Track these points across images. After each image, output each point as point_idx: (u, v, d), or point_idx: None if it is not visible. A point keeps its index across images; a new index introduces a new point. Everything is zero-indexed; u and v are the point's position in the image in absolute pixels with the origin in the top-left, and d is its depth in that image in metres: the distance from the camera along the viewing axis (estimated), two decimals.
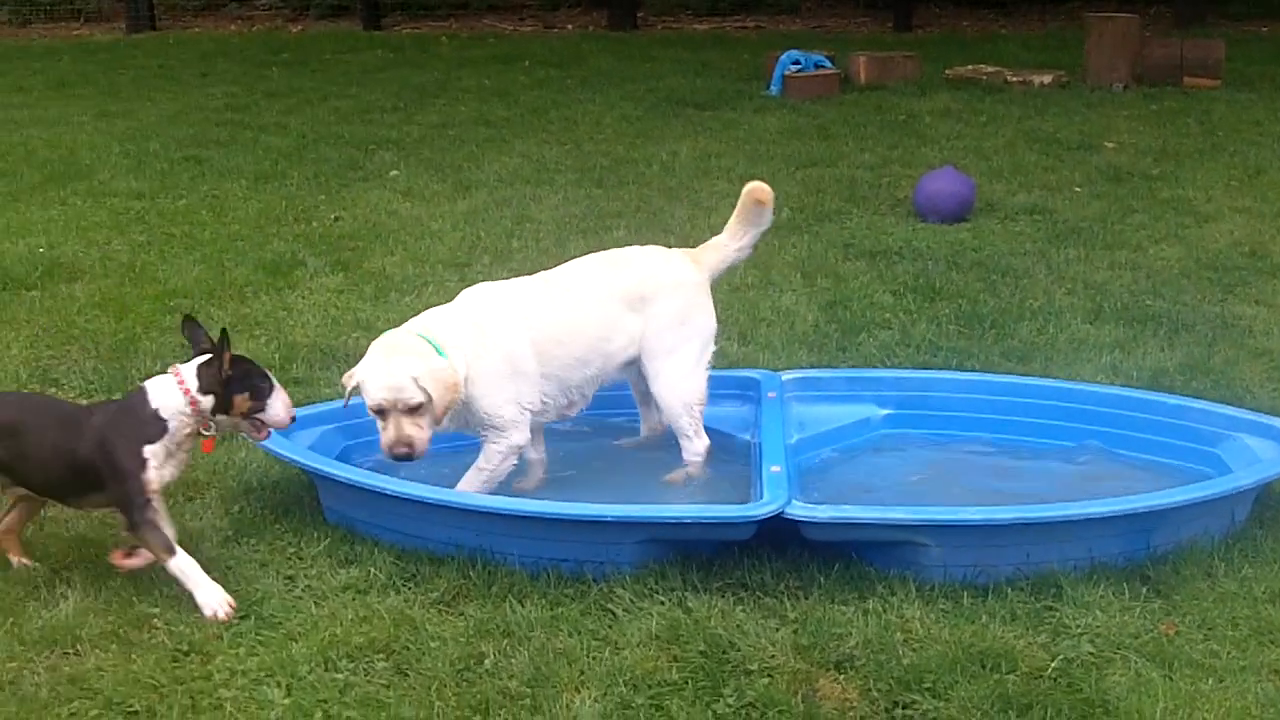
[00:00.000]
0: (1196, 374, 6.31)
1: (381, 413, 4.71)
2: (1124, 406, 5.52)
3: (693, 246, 8.24)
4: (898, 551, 4.56)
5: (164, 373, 4.56)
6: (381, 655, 4.16)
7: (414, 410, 4.68)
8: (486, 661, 4.10)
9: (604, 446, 5.60)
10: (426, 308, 7.12)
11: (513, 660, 4.11)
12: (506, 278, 7.65)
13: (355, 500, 4.83)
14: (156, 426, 4.42)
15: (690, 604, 4.38)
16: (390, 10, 20.25)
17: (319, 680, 4.04)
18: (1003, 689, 3.96)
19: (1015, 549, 4.53)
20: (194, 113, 13.35)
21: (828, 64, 13.72)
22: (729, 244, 5.48)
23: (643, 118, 12.63)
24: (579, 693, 3.95)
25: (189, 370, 4.49)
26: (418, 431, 4.69)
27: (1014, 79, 13.69)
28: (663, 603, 4.38)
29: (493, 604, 4.40)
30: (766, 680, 4.04)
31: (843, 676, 4.08)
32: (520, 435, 5.00)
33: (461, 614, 4.37)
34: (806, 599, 4.44)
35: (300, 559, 4.73)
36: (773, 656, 4.14)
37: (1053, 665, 4.09)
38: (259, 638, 4.25)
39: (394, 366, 4.69)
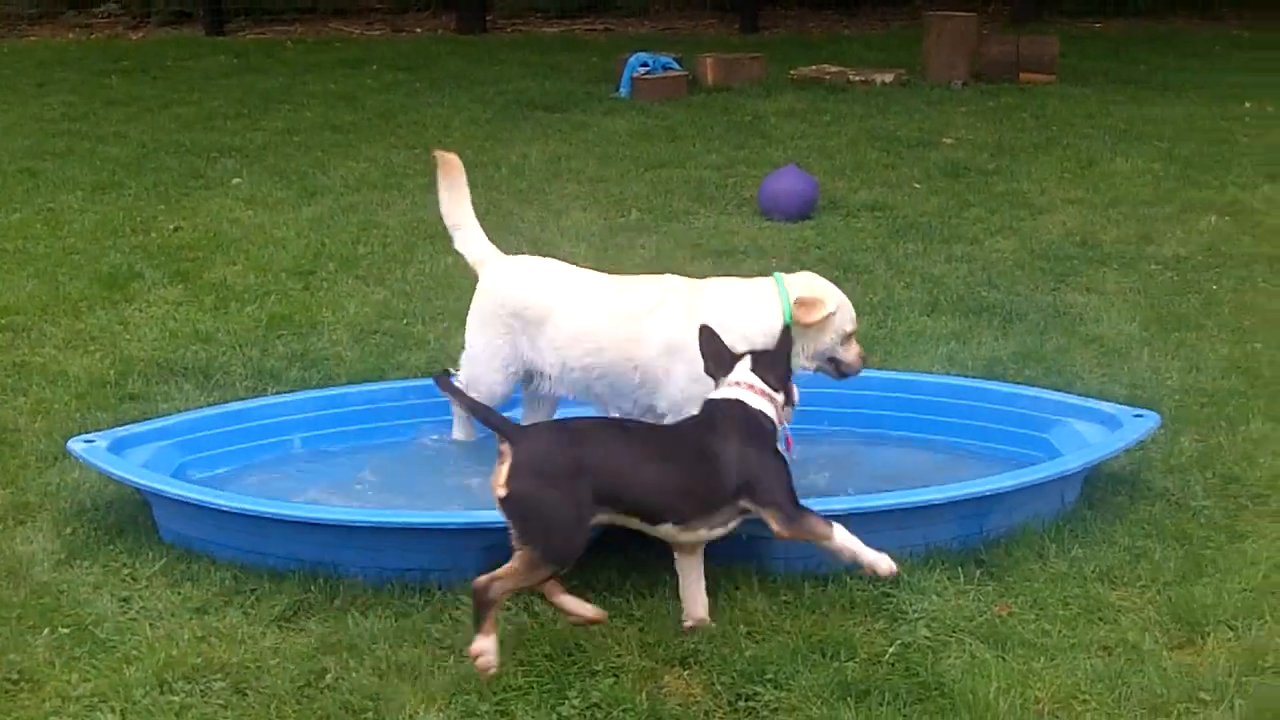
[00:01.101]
0: (1029, 362, 6.49)
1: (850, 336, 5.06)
2: (957, 395, 5.67)
3: (541, 249, 8.35)
4: (740, 544, 4.61)
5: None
6: (219, 675, 4.09)
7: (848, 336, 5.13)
8: (328, 677, 4.06)
9: None
10: (269, 318, 7.13)
11: (355, 674, 4.07)
12: (353, 284, 7.74)
13: (191, 518, 4.75)
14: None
15: (536, 607, 4.38)
16: (234, 15, 19.92)
17: (154, 704, 3.96)
18: (842, 676, 4.04)
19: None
20: (29, 124, 12.98)
21: (675, 66, 13.81)
22: None
23: (492, 121, 12.60)
24: (423, 703, 3.94)
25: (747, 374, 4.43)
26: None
27: (856, 78, 13.90)
28: (508, 608, 4.37)
29: (335, 618, 4.36)
30: (612, 680, 4.07)
31: (687, 672, 4.12)
32: None
33: (302, 630, 4.33)
34: (652, 596, 4.48)
35: (135, 580, 4.63)
36: (618, 655, 4.17)
37: (890, 651, 4.18)
38: (92, 663, 4.16)
39: (834, 289, 5.10)
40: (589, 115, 12.71)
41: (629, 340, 4.96)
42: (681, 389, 4.88)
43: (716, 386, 4.47)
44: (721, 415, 4.35)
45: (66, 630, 4.34)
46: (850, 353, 5.10)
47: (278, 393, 6.10)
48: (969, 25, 14.07)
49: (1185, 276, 7.82)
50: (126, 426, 5.43)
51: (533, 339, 5.15)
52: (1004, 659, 4.15)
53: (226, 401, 5.95)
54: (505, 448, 4.08)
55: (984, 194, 9.72)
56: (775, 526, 4.23)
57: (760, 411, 4.37)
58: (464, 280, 7.70)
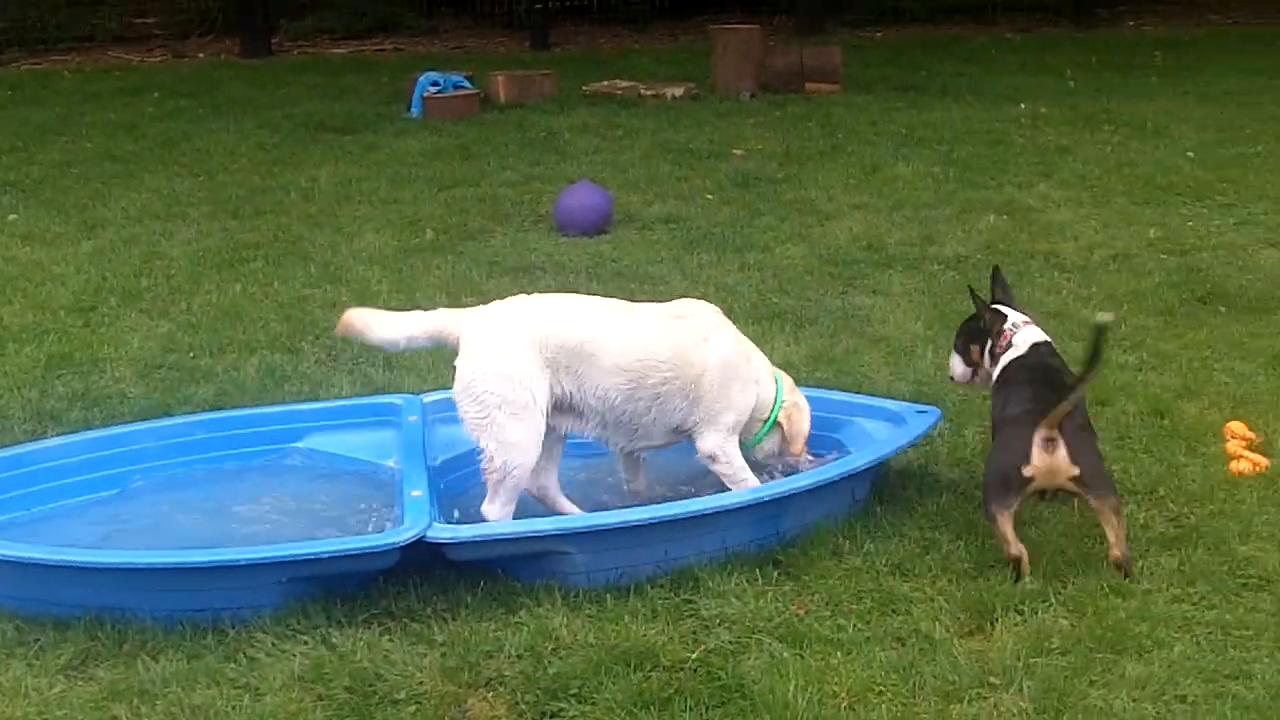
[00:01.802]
0: (821, 364, 6.63)
1: None
2: None
3: (333, 273, 8.27)
4: (543, 563, 4.63)
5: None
6: None
7: None
8: None
9: None
10: (48, 358, 6.90)
11: None
12: (136, 319, 7.53)
13: None
14: None
15: (334, 640, 4.32)
16: (7, 46, 19.25)
17: None
18: (646, 686, 4.08)
19: (654, 547, 4.67)
20: None
21: (467, 84, 13.77)
22: None
23: (280, 145, 12.39)
24: None
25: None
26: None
27: (648, 93, 14.04)
28: (306, 642, 4.31)
29: (124, 664, 4.23)
30: (414, 708, 4.04)
31: (492, 694, 4.11)
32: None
33: (91, 678, 4.19)
34: (454, 621, 4.46)
35: None
36: (420, 683, 4.14)
37: (693, 657, 4.23)
38: None
39: None
40: (380, 136, 12.60)
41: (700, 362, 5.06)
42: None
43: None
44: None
45: None
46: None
47: (59, 434, 5.89)
48: (754, 37, 14.32)
49: (966, 275, 8.02)
50: None
51: (578, 373, 4.97)
52: (802, 657, 4.23)
53: (4, 445, 5.73)
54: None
55: (774, 202, 9.89)
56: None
57: None
58: (255, 309, 7.63)
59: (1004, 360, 5.13)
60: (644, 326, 5.07)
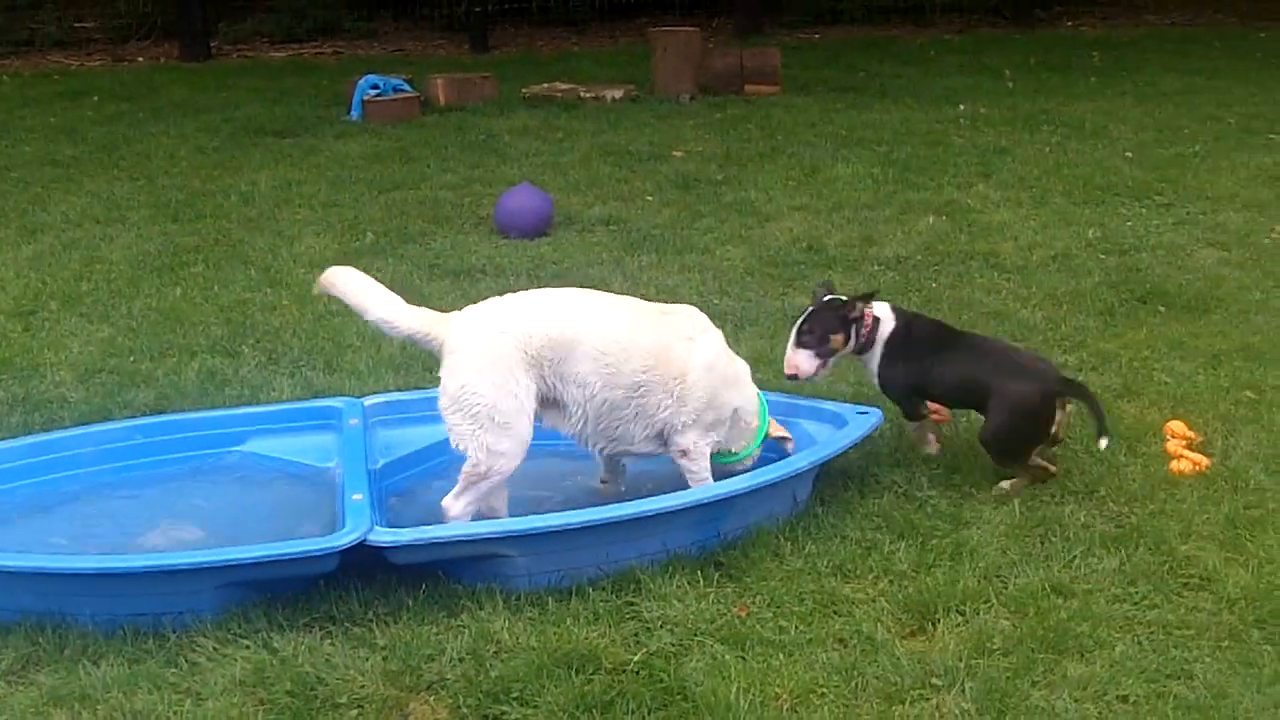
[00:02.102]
0: (761, 364, 6.51)
1: None
2: None
3: (273, 276, 8.23)
4: (484, 566, 4.64)
5: None
6: None
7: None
8: None
9: None
10: None
11: None
12: (77, 323, 7.47)
13: None
14: None
15: (276, 644, 4.32)
16: None
17: None
18: (588, 689, 4.11)
19: (595, 550, 4.69)
20: None
21: (406, 87, 13.73)
22: None
23: (220, 148, 12.31)
24: None
25: None
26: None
27: (587, 95, 14.05)
28: (247, 646, 4.32)
29: (66, 668, 4.22)
30: (356, 712, 4.06)
31: (434, 698, 4.13)
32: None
33: (32, 683, 4.18)
34: (396, 624, 4.47)
35: None
36: (362, 687, 4.15)
37: (635, 660, 4.25)
38: None
39: None
40: (320, 139, 12.53)
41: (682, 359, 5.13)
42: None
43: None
44: None
45: None
46: None
47: None
48: (693, 40, 14.35)
49: (906, 275, 8.13)
50: None
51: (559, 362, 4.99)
52: (744, 659, 4.26)
53: None
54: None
55: (714, 204, 9.93)
56: None
57: None
58: (196, 312, 7.59)
59: (884, 334, 5.51)
60: (627, 316, 5.12)
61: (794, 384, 5.63)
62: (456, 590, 4.61)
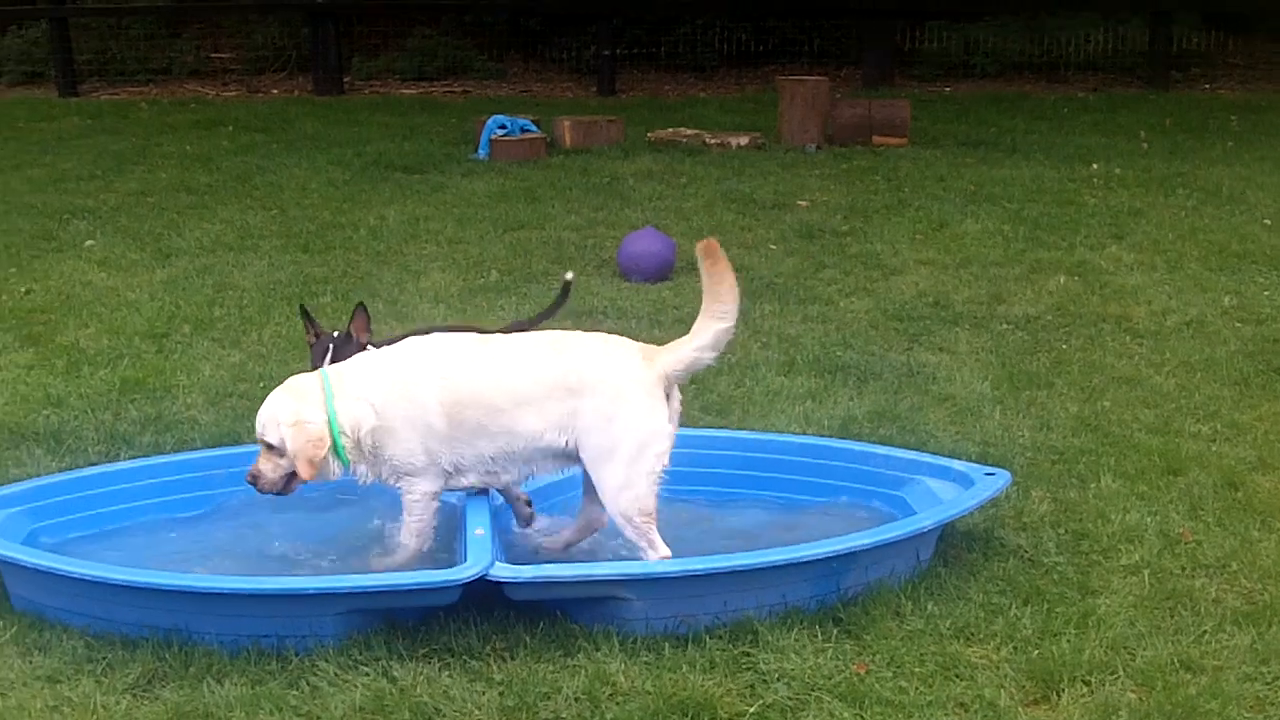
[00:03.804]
0: (884, 420, 6.60)
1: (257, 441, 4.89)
2: (814, 455, 5.74)
3: (400, 310, 8.34)
4: (601, 607, 4.63)
5: None
6: None
7: (270, 448, 4.79)
8: None
9: None
10: (122, 382, 7.01)
11: None
12: (208, 347, 7.63)
13: (42, 585, 4.64)
14: None
15: (395, 673, 4.35)
16: (87, 76, 19.61)
17: None
18: None
19: (713, 598, 4.65)
20: None
21: (533, 128, 13.89)
22: (688, 343, 4.93)
23: (350, 182, 12.54)
24: None
25: None
26: (268, 469, 4.83)
27: (713, 141, 14.10)
28: (367, 673, 4.34)
29: (190, 686, 4.28)
30: None
31: None
32: (430, 483, 4.91)
33: (157, 698, 4.25)
34: (513, 660, 4.47)
35: None
36: None
37: (751, 711, 4.21)
38: None
39: (273, 403, 4.82)
40: (447, 177, 12.71)
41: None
42: None
43: None
44: None
45: None
46: None
47: (130, 457, 5.98)
48: (822, 89, 14.36)
49: (1035, 336, 8.02)
50: None
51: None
52: (862, 717, 4.20)
53: (78, 466, 5.84)
54: None
55: (838, 255, 9.89)
56: None
57: None
58: None
59: None
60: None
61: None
62: (573, 630, 4.60)
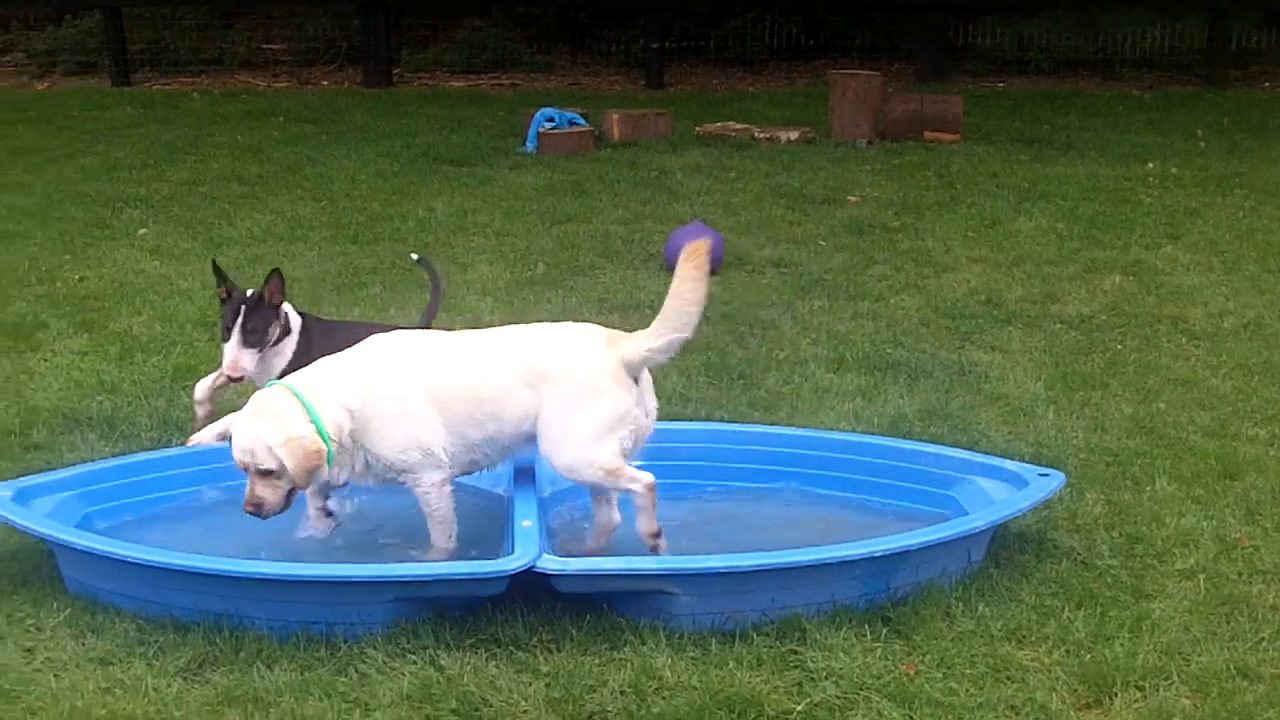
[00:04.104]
0: (935, 419, 6.55)
1: (244, 468, 4.74)
2: (864, 453, 5.70)
3: (447, 302, 8.33)
4: (648, 601, 4.61)
5: None
6: None
7: (266, 474, 4.68)
8: None
9: None
10: (174, 369, 7.04)
11: None
12: None
13: (95, 569, 4.67)
14: None
15: (443, 662, 4.36)
16: (140, 66, 19.72)
17: None
18: None
19: (761, 595, 4.63)
20: None
21: (582, 121, 13.87)
22: (645, 340, 4.97)
23: (399, 174, 12.57)
24: None
25: None
26: (269, 494, 4.73)
27: (762, 135, 14.04)
28: (415, 662, 4.35)
29: (240, 670, 4.31)
30: None
31: None
32: (437, 472, 4.92)
33: (207, 682, 4.27)
34: (559, 652, 4.46)
35: (39, 630, 4.57)
36: (525, 711, 4.16)
37: (798, 709, 4.19)
38: None
39: (253, 430, 4.68)
40: (495, 170, 12.72)
41: None
42: None
43: None
44: None
45: None
46: None
47: (182, 444, 6.01)
48: (873, 84, 14.27)
49: (1089, 336, 7.94)
50: (31, 476, 5.34)
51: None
52: (911, 717, 4.17)
53: (131, 452, 5.88)
54: None
55: (889, 251, 9.83)
56: None
57: None
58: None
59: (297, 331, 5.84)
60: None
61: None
62: (620, 623, 4.59)
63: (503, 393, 4.93)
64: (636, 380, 4.99)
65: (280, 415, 4.72)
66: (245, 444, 4.70)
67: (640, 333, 4.99)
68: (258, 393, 4.89)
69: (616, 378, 4.93)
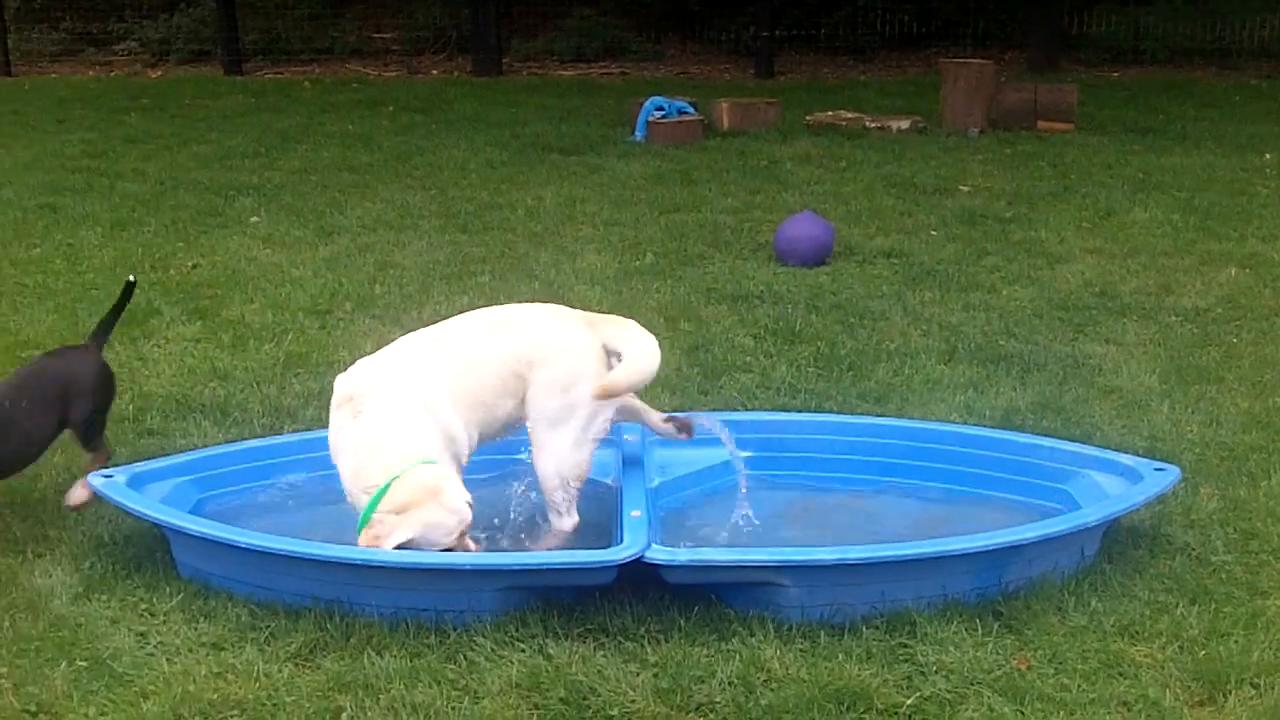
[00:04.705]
0: (1048, 412, 6.45)
1: None
2: (976, 445, 5.63)
3: (555, 291, 8.38)
4: (757, 593, 4.59)
5: None
6: (236, 711, 4.09)
7: None
8: (344, 715, 4.05)
9: None
10: (286, 356, 7.15)
11: (370, 713, 4.06)
12: (369, 324, 7.75)
13: (208, 554, 4.75)
14: None
15: (551, 650, 4.37)
16: (252, 55, 20.07)
17: None
18: None
19: (871, 587, 4.58)
20: (49, 160, 13.09)
21: (691, 110, 13.87)
22: (622, 363, 5.09)
23: (508, 163, 12.66)
24: None
25: None
26: None
27: (872, 125, 13.95)
28: (523, 650, 4.37)
29: (350, 656, 4.35)
30: None
31: (702, 719, 4.09)
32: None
33: (318, 667, 4.32)
34: (667, 642, 4.45)
35: (152, 615, 4.64)
36: (633, 701, 4.15)
37: (908, 703, 4.14)
38: (110, 696, 4.17)
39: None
40: (604, 158, 12.76)
41: None
42: None
43: None
44: None
45: (84, 664, 4.35)
46: None
47: (294, 430, 6.11)
48: (986, 73, 14.11)
49: (1205, 329, 7.78)
50: (145, 462, 5.44)
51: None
52: (1023, 713, 4.11)
53: (244, 438, 5.98)
54: None
55: (1001, 242, 9.71)
56: None
57: None
58: None
59: None
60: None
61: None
62: (728, 614, 4.57)
63: (498, 383, 5.00)
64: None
65: None
66: None
67: (616, 317, 5.19)
68: None
69: (600, 360, 5.06)
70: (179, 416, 6.42)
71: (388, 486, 4.62)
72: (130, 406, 6.51)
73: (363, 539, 4.62)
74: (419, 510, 4.60)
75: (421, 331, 5.14)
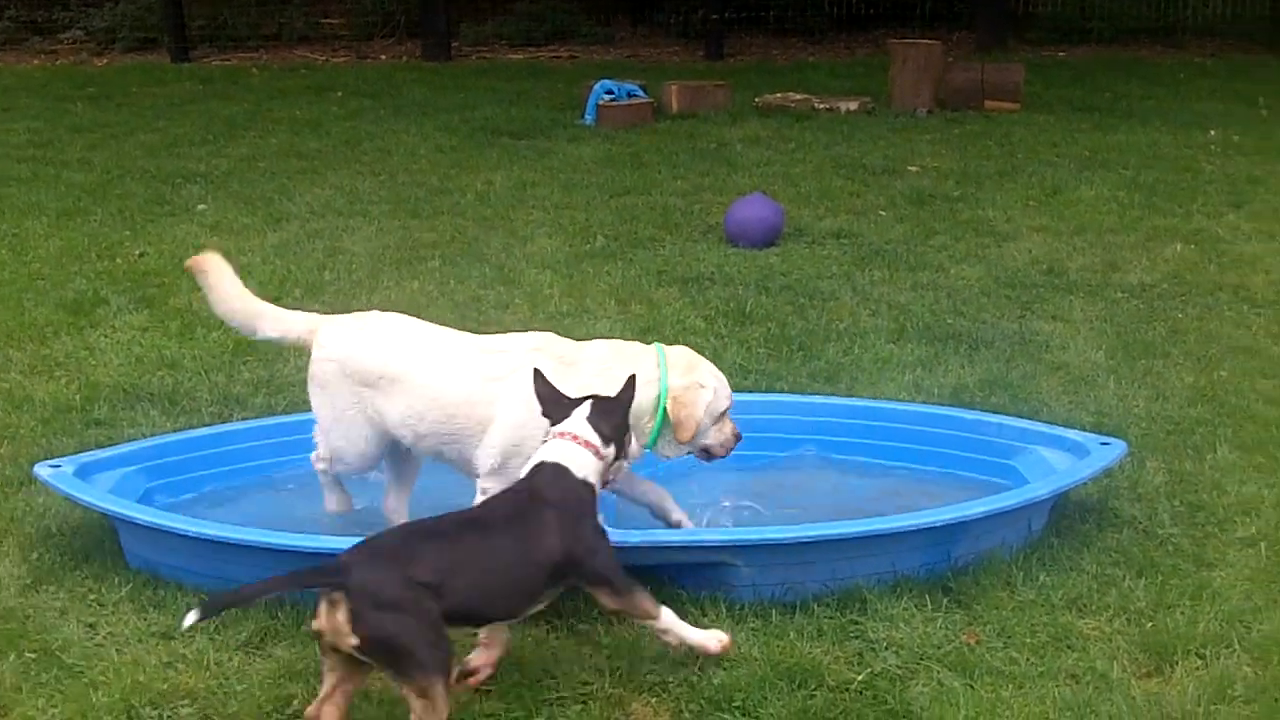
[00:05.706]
0: (996, 389, 6.51)
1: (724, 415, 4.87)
2: (924, 423, 5.68)
3: (506, 276, 8.37)
4: (709, 573, 4.62)
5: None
6: (186, 701, 4.08)
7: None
8: (295, 703, 4.05)
9: None
10: (235, 344, 7.10)
11: None
12: (319, 310, 7.67)
13: (157, 543, 4.72)
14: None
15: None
16: (199, 42, 19.87)
17: None
18: (810, 704, 4.06)
19: (821, 566, 4.63)
20: None
21: (640, 93, 13.85)
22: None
23: (458, 148, 12.60)
24: None
25: (581, 423, 4.26)
26: None
27: (821, 106, 13.97)
28: (476, 633, 4.37)
29: (301, 644, 4.33)
30: (580, 707, 4.07)
31: (655, 699, 4.12)
32: None
33: (269, 656, 4.31)
34: (620, 623, 4.46)
35: (102, 605, 4.62)
36: (586, 683, 4.17)
37: (859, 679, 4.18)
38: (59, 688, 4.15)
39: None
40: (554, 142, 12.73)
41: (488, 404, 4.77)
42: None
43: (550, 429, 4.30)
44: (542, 493, 4.13)
45: (33, 655, 4.33)
46: (722, 432, 4.89)
47: (243, 419, 6.08)
48: (934, 53, 14.16)
49: (1151, 304, 7.86)
50: (92, 452, 5.41)
51: (380, 405, 4.91)
52: (972, 687, 4.15)
53: (192, 427, 5.94)
54: (336, 596, 3.71)
55: (949, 221, 9.76)
56: (605, 602, 4.14)
57: (582, 481, 4.16)
58: (432, 307, 7.75)
59: None
60: (447, 361, 4.92)
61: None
62: (680, 595, 4.59)
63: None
64: None
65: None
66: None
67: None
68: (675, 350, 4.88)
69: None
70: (127, 406, 6.38)
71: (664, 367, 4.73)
72: (78, 396, 6.47)
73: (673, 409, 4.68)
74: (704, 365, 4.84)
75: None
